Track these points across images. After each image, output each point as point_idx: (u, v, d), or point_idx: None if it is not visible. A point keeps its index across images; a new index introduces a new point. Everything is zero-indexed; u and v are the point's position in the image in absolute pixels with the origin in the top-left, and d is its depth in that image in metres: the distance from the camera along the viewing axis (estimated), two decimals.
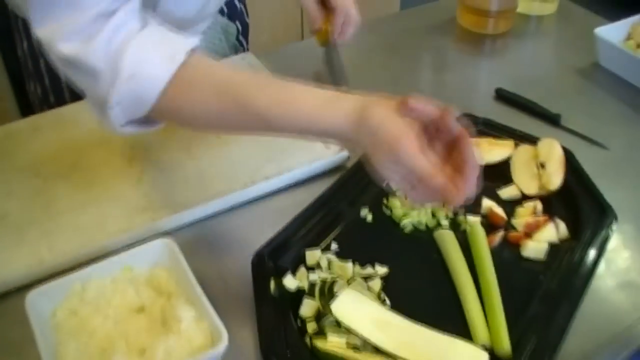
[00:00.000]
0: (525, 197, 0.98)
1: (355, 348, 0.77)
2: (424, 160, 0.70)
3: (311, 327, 0.81)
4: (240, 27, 1.37)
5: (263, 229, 0.92)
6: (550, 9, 1.46)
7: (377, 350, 0.76)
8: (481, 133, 1.06)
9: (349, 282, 0.83)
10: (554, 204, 0.96)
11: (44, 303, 0.80)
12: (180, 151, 1.05)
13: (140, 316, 0.80)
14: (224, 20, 1.32)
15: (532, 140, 1.04)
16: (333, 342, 0.77)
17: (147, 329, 0.78)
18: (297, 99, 0.76)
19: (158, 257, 0.85)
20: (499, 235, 0.92)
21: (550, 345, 0.78)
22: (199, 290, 0.79)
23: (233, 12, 1.34)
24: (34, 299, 0.79)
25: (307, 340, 0.79)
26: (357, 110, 0.73)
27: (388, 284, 0.86)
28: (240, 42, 1.38)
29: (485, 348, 0.78)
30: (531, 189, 0.98)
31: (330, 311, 0.77)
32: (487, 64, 1.37)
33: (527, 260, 0.90)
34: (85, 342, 0.77)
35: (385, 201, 0.98)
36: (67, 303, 0.81)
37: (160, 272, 0.84)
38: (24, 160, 1.05)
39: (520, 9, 1.44)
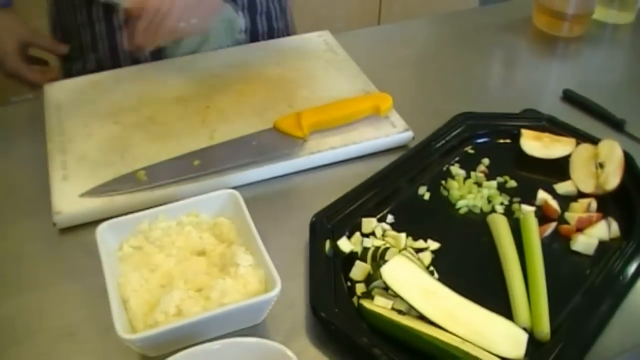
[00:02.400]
0: (581, 195, 0.98)
1: (400, 312, 0.79)
2: None
3: (360, 289, 0.83)
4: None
5: (323, 195, 0.95)
6: (627, 18, 1.45)
7: (421, 317, 0.78)
8: (544, 129, 1.07)
9: (400, 251, 0.85)
10: (609, 203, 0.96)
11: (113, 236, 0.83)
12: (254, 116, 1.09)
13: (201, 259, 0.83)
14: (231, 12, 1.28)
15: (594, 141, 1.04)
16: (380, 304, 0.79)
17: (206, 271, 0.81)
18: None
19: (223, 206, 0.88)
20: (550, 227, 0.93)
21: (588, 335, 0.79)
22: (258, 240, 0.81)
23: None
24: (104, 230, 0.82)
25: (355, 300, 0.82)
26: None
27: (438, 258, 0.88)
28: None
29: (525, 330, 0.79)
30: (588, 187, 0.98)
31: (380, 275, 0.79)
32: (558, 65, 1.36)
33: (576, 254, 0.90)
34: (146, 277, 0.80)
35: (443, 182, 1.00)
36: (133, 239, 0.84)
37: (223, 221, 0.87)
38: (105, 108, 1.10)
39: (597, 15, 1.43)
